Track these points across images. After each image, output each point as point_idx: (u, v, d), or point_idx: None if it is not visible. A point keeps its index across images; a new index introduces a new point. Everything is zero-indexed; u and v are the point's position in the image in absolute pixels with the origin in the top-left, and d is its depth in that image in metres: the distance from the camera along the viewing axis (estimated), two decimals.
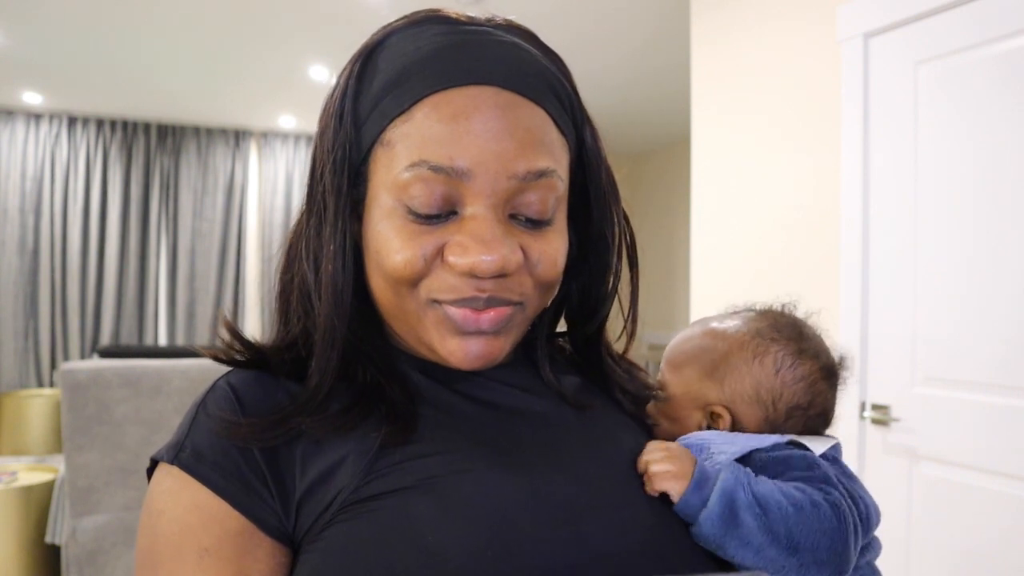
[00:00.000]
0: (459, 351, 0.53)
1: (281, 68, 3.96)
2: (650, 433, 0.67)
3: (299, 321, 0.58)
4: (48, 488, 2.82)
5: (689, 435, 0.64)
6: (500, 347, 0.55)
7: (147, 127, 5.10)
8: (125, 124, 5.04)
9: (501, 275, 0.51)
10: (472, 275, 0.51)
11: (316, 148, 0.57)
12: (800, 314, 0.71)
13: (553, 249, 0.54)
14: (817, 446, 0.60)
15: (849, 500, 0.55)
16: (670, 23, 3.18)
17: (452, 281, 0.51)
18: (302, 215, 0.59)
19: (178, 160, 5.16)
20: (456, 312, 0.52)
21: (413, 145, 0.50)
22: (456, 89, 0.51)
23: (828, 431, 0.68)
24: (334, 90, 0.57)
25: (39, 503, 2.78)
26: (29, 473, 3.01)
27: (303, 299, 0.58)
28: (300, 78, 4.07)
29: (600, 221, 0.61)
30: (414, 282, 0.52)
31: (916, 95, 1.91)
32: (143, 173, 5.09)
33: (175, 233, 5.17)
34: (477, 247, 0.50)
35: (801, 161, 2.24)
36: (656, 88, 4.19)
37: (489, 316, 0.52)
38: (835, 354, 0.69)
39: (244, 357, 0.59)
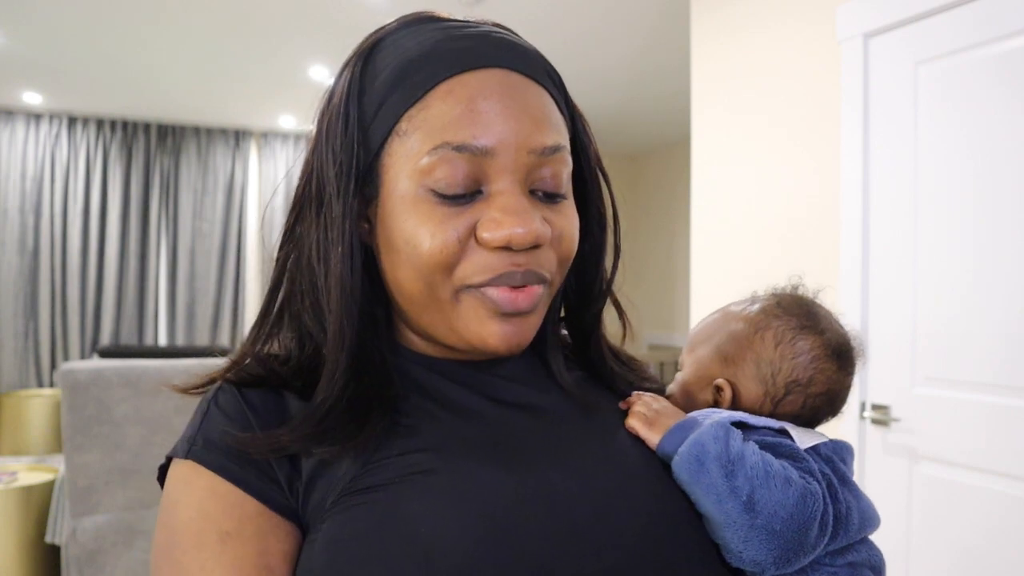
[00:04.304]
0: (497, 333, 0.54)
1: (281, 68, 3.96)
2: None
3: (305, 338, 0.58)
4: (48, 488, 2.82)
5: (697, 411, 0.66)
6: (532, 328, 0.56)
7: (147, 127, 5.10)
8: (125, 124, 5.04)
9: (534, 247, 0.53)
10: (507, 248, 0.52)
11: (315, 153, 0.56)
12: (810, 294, 0.72)
13: (571, 224, 0.56)
14: (805, 439, 0.61)
15: (828, 497, 0.57)
16: (670, 23, 3.18)
17: (487, 259, 0.52)
18: (293, 228, 0.58)
19: (178, 160, 5.16)
20: (495, 292, 0.53)
21: (432, 130, 0.51)
22: (468, 73, 0.52)
23: (829, 430, 0.68)
24: (332, 95, 0.57)
25: (39, 503, 2.78)
26: (29, 473, 3.01)
27: (314, 309, 0.57)
28: (300, 78, 4.07)
29: (596, 201, 0.63)
30: (449, 268, 0.52)
31: (916, 95, 1.91)
32: (143, 173, 5.09)
33: (175, 233, 5.17)
34: (510, 220, 0.51)
35: (801, 161, 2.24)
36: (656, 88, 4.19)
37: (525, 295, 0.53)
38: (848, 336, 0.69)
39: (254, 374, 0.58)
